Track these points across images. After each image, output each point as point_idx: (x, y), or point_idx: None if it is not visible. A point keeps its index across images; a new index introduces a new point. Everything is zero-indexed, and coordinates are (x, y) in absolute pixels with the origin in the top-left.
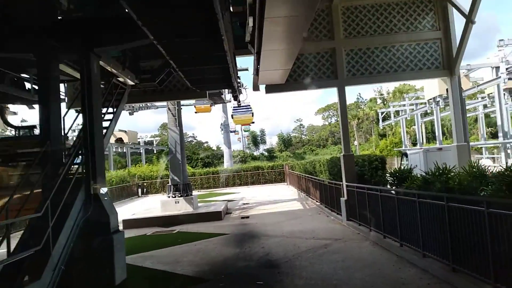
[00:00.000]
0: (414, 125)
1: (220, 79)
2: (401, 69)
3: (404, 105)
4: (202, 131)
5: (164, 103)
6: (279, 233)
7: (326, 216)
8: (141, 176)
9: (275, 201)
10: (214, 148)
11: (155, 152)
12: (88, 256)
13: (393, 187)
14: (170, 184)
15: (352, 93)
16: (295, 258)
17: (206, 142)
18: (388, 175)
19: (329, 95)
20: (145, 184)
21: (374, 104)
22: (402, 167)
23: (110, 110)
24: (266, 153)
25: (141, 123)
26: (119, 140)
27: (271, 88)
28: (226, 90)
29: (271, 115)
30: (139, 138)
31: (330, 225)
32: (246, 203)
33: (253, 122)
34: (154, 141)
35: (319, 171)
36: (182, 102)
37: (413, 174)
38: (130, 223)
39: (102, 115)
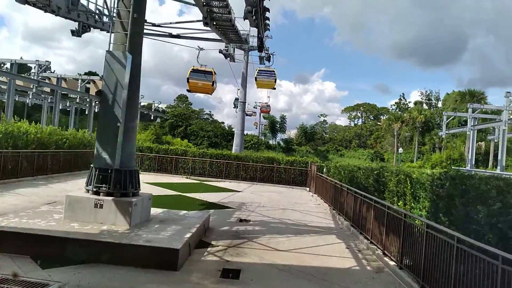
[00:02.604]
0: (481, 141)
1: None
2: None
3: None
4: (222, 112)
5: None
6: None
7: None
8: None
9: (295, 226)
10: (226, 128)
11: (152, 118)
12: None
13: None
14: (92, 166)
15: (388, 90)
16: None
17: (223, 123)
18: None
19: (356, 96)
20: None
21: (419, 107)
22: None
23: None
24: (283, 144)
25: (161, 93)
26: (101, 93)
27: None
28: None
29: (290, 107)
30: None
31: None
32: (245, 220)
33: (274, 88)
34: (152, 107)
35: (392, 192)
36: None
37: None
38: None
39: None
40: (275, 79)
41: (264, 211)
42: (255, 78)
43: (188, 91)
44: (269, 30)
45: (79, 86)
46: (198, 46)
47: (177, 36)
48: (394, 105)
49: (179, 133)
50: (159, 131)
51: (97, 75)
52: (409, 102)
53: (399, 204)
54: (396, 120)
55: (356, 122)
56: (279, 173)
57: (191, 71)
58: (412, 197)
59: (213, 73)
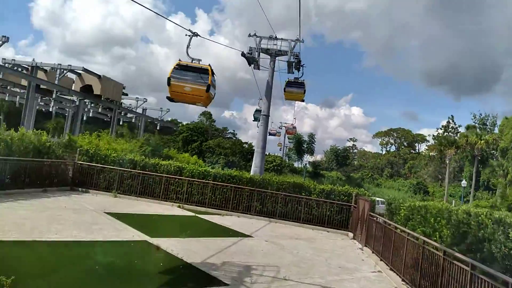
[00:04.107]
0: None
1: None
2: None
3: None
4: (247, 134)
5: None
6: None
7: None
8: (97, 153)
9: None
10: (246, 146)
11: (158, 128)
12: None
13: None
14: None
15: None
16: None
17: (246, 143)
18: None
19: (383, 122)
20: (96, 168)
21: (473, 132)
22: None
23: None
24: (309, 167)
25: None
26: (86, 89)
27: None
28: None
29: (315, 131)
30: (135, 98)
31: None
32: None
33: (303, 100)
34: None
35: None
36: None
37: None
38: None
39: None
40: (304, 91)
41: None
42: (284, 89)
43: (169, 99)
44: None
45: (56, 78)
46: (189, 30)
47: None
48: (441, 128)
49: (194, 148)
50: (158, 142)
51: (89, 72)
52: (459, 126)
53: None
54: (450, 145)
55: (388, 149)
56: (308, 208)
57: (174, 68)
58: None
59: (210, 73)
